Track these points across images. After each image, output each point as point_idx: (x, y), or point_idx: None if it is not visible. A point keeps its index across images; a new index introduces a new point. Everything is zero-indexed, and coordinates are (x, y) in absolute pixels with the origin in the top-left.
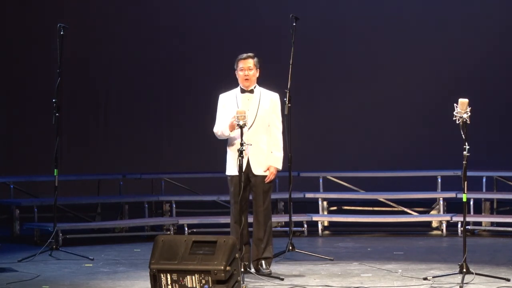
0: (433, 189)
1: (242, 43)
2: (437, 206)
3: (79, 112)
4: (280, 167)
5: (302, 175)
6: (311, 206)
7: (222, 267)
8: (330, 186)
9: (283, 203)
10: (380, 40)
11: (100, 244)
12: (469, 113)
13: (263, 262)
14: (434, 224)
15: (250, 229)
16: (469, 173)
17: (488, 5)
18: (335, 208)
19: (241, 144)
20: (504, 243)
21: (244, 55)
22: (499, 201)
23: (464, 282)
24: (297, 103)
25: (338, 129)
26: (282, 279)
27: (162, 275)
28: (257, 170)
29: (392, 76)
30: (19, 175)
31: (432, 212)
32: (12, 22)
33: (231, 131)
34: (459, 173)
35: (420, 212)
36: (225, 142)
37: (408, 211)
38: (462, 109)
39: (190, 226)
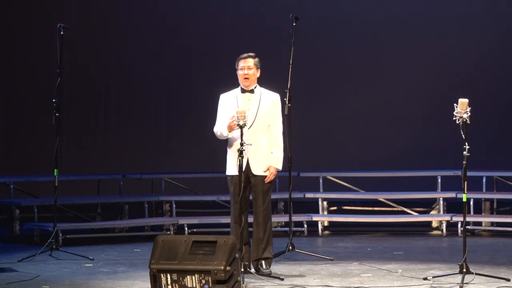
0: (433, 189)
1: (242, 43)
2: (437, 206)
3: (79, 112)
4: (280, 167)
5: (302, 175)
6: (311, 206)
7: (222, 267)
8: (330, 186)
9: (283, 203)
10: (380, 40)
11: (100, 244)
12: (469, 113)
13: (263, 262)
14: (434, 224)
15: (250, 229)
16: (469, 173)
17: (488, 5)
18: (335, 208)
19: (241, 144)
20: (504, 243)
21: (245, 54)
22: (499, 201)
23: (464, 282)
24: (297, 103)
25: (338, 129)
26: (282, 279)
27: (162, 275)
28: (257, 170)
29: (392, 76)
30: (19, 175)
31: (432, 212)
32: (12, 22)
33: (229, 132)
34: (459, 173)
35: (420, 212)
36: (225, 142)
37: (408, 211)
38: (462, 109)
39: (190, 226)
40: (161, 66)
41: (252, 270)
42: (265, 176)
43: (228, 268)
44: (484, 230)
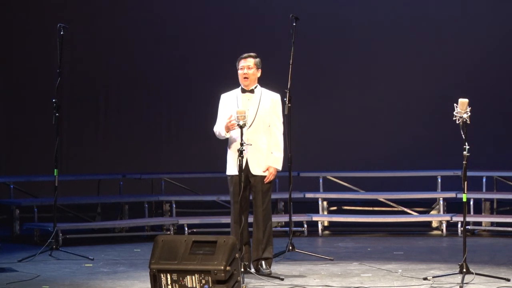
0: (433, 189)
1: (242, 43)
2: (437, 206)
3: (79, 112)
4: (279, 167)
5: (302, 175)
6: (311, 206)
7: (222, 267)
8: (330, 186)
9: (283, 203)
10: (380, 40)
11: (100, 244)
12: (469, 113)
13: (263, 262)
14: (434, 224)
15: (250, 229)
16: (469, 173)
17: (488, 5)
18: (335, 208)
19: (241, 144)
20: (504, 243)
21: (245, 54)
22: (499, 201)
23: (464, 282)
24: (297, 103)
25: (338, 129)
26: (282, 279)
27: (162, 275)
28: (256, 170)
29: (392, 76)
30: (19, 175)
31: (432, 212)
32: (12, 22)
33: (226, 132)
34: (459, 173)
35: (420, 212)
36: (225, 142)
37: (408, 211)
38: (462, 109)
39: (190, 226)
40: (161, 66)
41: (252, 270)
42: (265, 176)
43: (228, 268)
44: (484, 230)
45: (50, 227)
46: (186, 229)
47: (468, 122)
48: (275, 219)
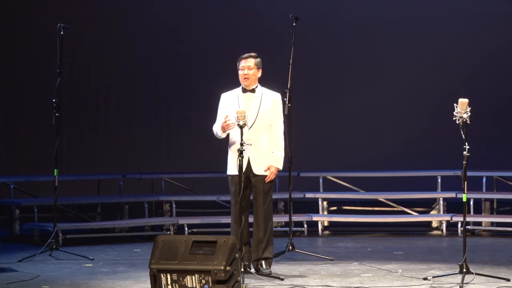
0: (433, 189)
1: (242, 43)
2: (437, 206)
3: (79, 112)
4: (280, 167)
5: (302, 175)
6: (311, 206)
7: (222, 267)
8: (330, 186)
9: (283, 203)
10: (380, 40)
11: (100, 244)
12: (469, 113)
13: (263, 262)
14: (434, 224)
15: (251, 229)
16: (469, 173)
17: (488, 5)
18: (335, 208)
19: (241, 144)
20: (504, 243)
21: (246, 54)
22: (499, 201)
23: (464, 282)
24: (297, 103)
25: (338, 129)
26: (282, 279)
27: (162, 275)
28: (258, 170)
29: (392, 76)
30: (19, 175)
31: (432, 212)
32: (13, 22)
33: (223, 132)
34: (459, 173)
35: (420, 212)
36: (226, 142)
37: (408, 211)
38: (462, 109)
39: (190, 226)
40: (161, 66)
41: (252, 270)
42: (266, 176)
43: (228, 268)
44: (484, 230)
45: (50, 227)
46: (186, 229)
47: (468, 122)
48: (275, 219)
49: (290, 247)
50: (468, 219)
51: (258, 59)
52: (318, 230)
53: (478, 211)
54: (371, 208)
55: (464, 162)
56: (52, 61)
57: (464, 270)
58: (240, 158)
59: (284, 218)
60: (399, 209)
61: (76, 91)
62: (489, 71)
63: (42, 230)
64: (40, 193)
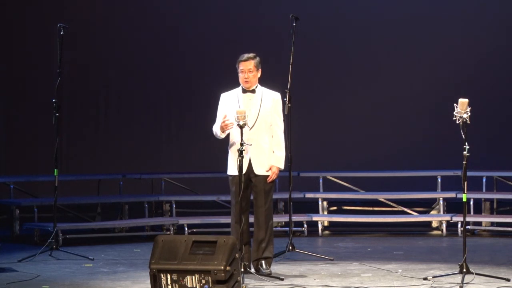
0: (433, 189)
1: (242, 43)
2: (437, 206)
3: (79, 112)
4: (282, 166)
5: (302, 175)
6: (311, 206)
7: (222, 267)
8: (330, 186)
9: (283, 203)
10: (380, 40)
11: (100, 244)
12: (469, 113)
13: (263, 262)
14: (434, 224)
15: (251, 229)
16: (469, 173)
17: (488, 5)
18: (335, 208)
19: (241, 144)
20: (504, 243)
21: (245, 56)
22: (499, 201)
23: (464, 282)
24: (297, 103)
25: (338, 129)
26: (282, 279)
27: (162, 275)
28: (259, 170)
29: (392, 76)
30: (19, 175)
31: (432, 212)
32: (12, 22)
33: (222, 133)
34: (459, 173)
35: (420, 212)
36: (226, 142)
37: (408, 211)
38: (462, 109)
39: (190, 226)
40: (161, 66)
41: (252, 270)
42: (267, 176)
43: (228, 268)
44: (484, 230)
45: (50, 227)
46: (186, 229)
47: (468, 122)
48: (275, 219)
49: (290, 247)
50: (468, 219)
51: (257, 59)
52: (318, 230)
53: (478, 211)
54: (371, 208)
55: (464, 162)
56: (52, 61)
57: (464, 270)
58: (240, 158)
59: (284, 218)
60: (399, 209)
61: (76, 91)
62: (489, 71)
63: (42, 230)
64: (40, 193)
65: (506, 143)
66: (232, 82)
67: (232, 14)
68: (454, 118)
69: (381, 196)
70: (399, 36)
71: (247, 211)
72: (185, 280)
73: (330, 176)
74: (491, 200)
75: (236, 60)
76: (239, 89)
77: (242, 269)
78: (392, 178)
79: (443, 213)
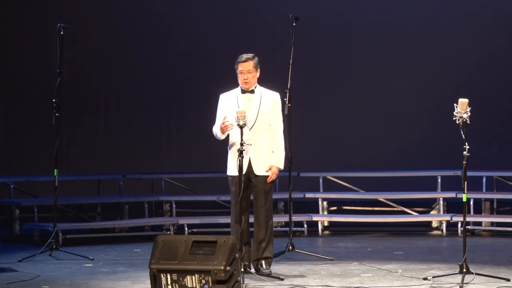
0: (433, 189)
1: (242, 43)
2: (437, 206)
3: (79, 112)
4: (282, 166)
5: (302, 175)
6: (311, 206)
7: (222, 267)
8: (330, 186)
9: (283, 203)
10: (380, 40)
11: (100, 244)
12: (469, 113)
13: (263, 262)
14: (434, 224)
15: (251, 229)
16: (469, 173)
17: (488, 5)
18: (335, 208)
19: (241, 144)
20: (504, 243)
21: (244, 57)
22: (499, 201)
23: (464, 282)
24: (297, 103)
25: (338, 129)
26: (282, 279)
27: (162, 275)
28: (259, 170)
29: (392, 76)
30: (19, 175)
31: (432, 212)
32: (12, 22)
33: (222, 134)
34: (459, 173)
35: (420, 212)
36: (226, 142)
37: (408, 211)
38: (462, 109)
39: (190, 226)
40: (161, 66)
41: (252, 270)
42: (267, 176)
43: (228, 268)
44: (484, 230)
45: (50, 227)
46: (186, 229)
47: (468, 122)
48: (275, 219)
49: (290, 247)
50: (468, 219)
51: (256, 59)
52: (318, 230)
53: (478, 211)
54: (371, 208)
55: (464, 162)
56: (52, 61)
57: (464, 270)
58: (240, 158)
59: (284, 218)
60: (399, 209)
61: (76, 91)
62: (489, 71)
63: (42, 230)
64: (40, 193)
65: (506, 143)
66: (232, 82)
67: (232, 14)
68: (454, 118)
69: (381, 196)
70: (399, 36)
71: (247, 211)
72: (185, 280)
73: (330, 176)
74: (491, 200)
75: (235, 59)
76: (238, 90)
77: (242, 269)
78: (392, 178)
79: (443, 213)
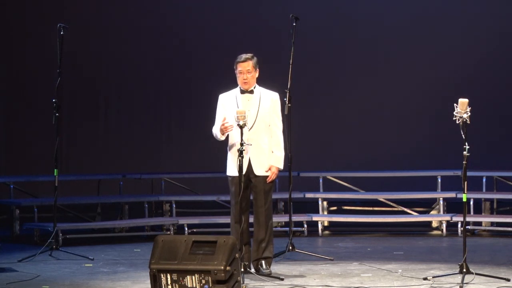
0: (433, 189)
1: (242, 43)
2: (437, 206)
3: (79, 112)
4: (281, 166)
5: (302, 175)
6: (311, 206)
7: (222, 267)
8: (330, 186)
9: (283, 203)
10: (380, 40)
11: (100, 244)
12: (469, 113)
13: (263, 262)
14: (434, 224)
15: (251, 229)
16: (469, 173)
17: (488, 5)
18: (335, 208)
19: (241, 144)
20: (504, 243)
21: (243, 57)
22: (499, 201)
23: (464, 282)
24: (297, 103)
25: (338, 129)
26: (282, 279)
27: (162, 275)
28: (259, 170)
29: (392, 76)
30: (19, 175)
31: (432, 212)
32: (12, 22)
33: (222, 135)
34: (459, 173)
35: (420, 212)
36: (226, 143)
37: (408, 211)
38: (462, 109)
39: (190, 226)
40: (161, 66)
41: (252, 270)
42: (267, 176)
43: (228, 268)
44: (484, 230)
45: (50, 227)
46: (186, 229)
47: (468, 122)
48: (275, 219)
49: (290, 247)
50: (468, 219)
51: (255, 60)
52: (318, 230)
53: (478, 211)
54: (371, 208)
55: (464, 162)
56: (52, 61)
57: (464, 270)
58: (240, 158)
59: (284, 218)
60: (399, 209)
61: (76, 91)
62: (489, 71)
63: (42, 230)
64: (40, 193)
65: (506, 143)
66: (232, 82)
67: (232, 14)
68: (454, 118)
69: (381, 196)
70: (399, 36)
71: (247, 211)
72: (185, 280)
73: (330, 176)
74: (491, 200)
75: (235, 59)
76: (237, 90)
77: (242, 269)
78: (392, 178)
79: (443, 213)
